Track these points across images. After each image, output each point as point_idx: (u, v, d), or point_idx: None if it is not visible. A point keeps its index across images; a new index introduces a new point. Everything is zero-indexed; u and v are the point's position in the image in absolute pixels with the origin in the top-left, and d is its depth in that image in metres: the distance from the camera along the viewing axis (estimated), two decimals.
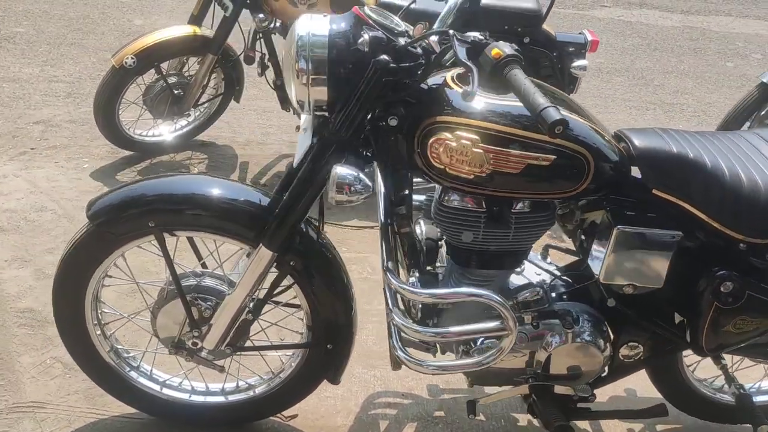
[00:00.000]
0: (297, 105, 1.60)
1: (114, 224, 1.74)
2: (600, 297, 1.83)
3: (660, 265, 1.71)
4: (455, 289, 1.63)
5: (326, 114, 1.62)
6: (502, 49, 1.34)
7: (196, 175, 1.88)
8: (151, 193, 1.75)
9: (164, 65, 3.36)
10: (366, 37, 1.51)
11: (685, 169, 1.70)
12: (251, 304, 1.83)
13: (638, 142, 1.71)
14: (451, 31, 1.43)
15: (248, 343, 1.93)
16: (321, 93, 1.55)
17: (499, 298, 1.58)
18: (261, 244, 1.72)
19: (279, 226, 1.70)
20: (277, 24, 3.37)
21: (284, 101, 3.54)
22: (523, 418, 2.22)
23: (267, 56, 3.41)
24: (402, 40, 1.53)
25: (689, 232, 1.72)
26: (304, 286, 1.82)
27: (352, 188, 1.52)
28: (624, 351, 1.87)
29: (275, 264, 1.76)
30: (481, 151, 1.54)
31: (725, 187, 1.68)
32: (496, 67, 1.34)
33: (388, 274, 1.59)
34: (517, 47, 1.35)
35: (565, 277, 1.89)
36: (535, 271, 1.88)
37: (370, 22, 1.54)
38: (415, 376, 2.35)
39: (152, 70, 3.33)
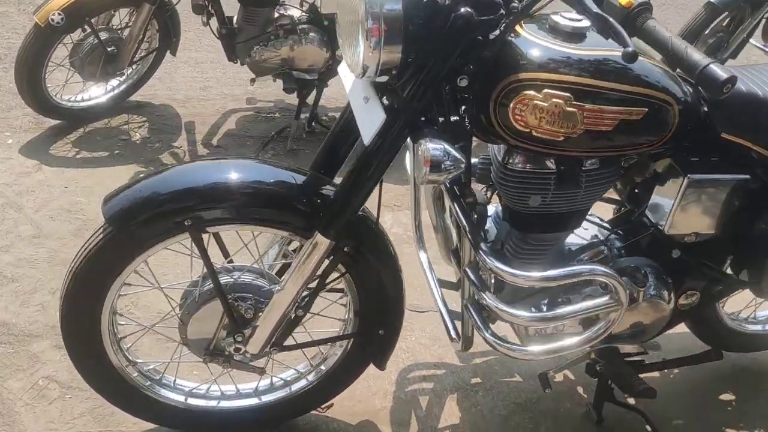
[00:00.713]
0: (358, 71, 1.36)
1: (142, 226, 1.46)
2: (661, 248, 1.75)
3: (728, 210, 1.65)
4: (569, 268, 1.47)
5: (391, 80, 1.39)
6: None
7: (226, 160, 1.60)
8: (182, 185, 1.47)
9: (94, 20, 2.92)
10: None
11: (755, 109, 1.62)
12: (301, 298, 1.62)
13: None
14: None
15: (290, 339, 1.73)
16: (394, 55, 1.32)
17: (612, 272, 1.46)
18: (317, 233, 1.50)
19: (339, 213, 1.48)
20: None
21: (231, 51, 3.20)
22: (559, 376, 2.17)
23: (210, 2, 3.04)
24: None
25: (754, 174, 1.66)
26: (358, 273, 1.63)
27: (443, 165, 1.32)
28: (682, 300, 1.82)
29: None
30: (575, 109, 1.38)
31: None
32: (627, 18, 1.16)
33: (483, 254, 1.42)
34: None
35: (619, 231, 1.80)
36: (585, 227, 1.78)
37: None
38: (442, 342, 2.23)
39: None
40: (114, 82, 3.26)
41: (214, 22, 3.13)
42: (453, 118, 1.44)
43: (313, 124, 3.42)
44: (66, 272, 1.55)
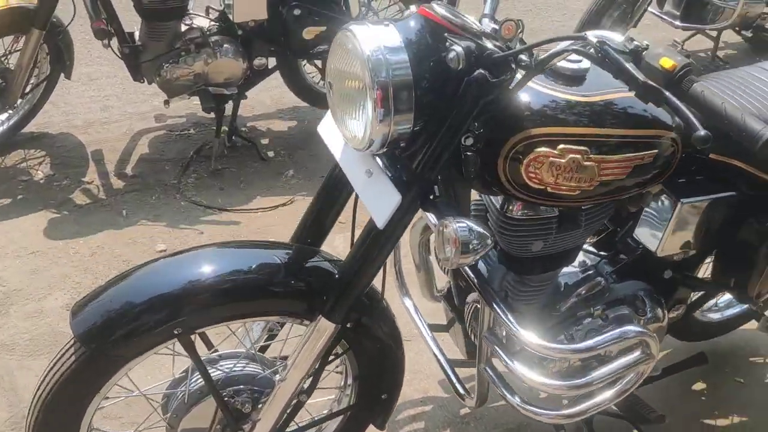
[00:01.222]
0: (362, 145, 1.21)
1: (122, 343, 1.26)
2: (653, 269, 1.73)
3: (715, 225, 1.65)
4: (604, 336, 1.39)
5: (397, 151, 1.25)
6: (674, 57, 1.08)
7: (198, 251, 1.40)
8: (159, 289, 1.28)
9: None
10: (458, 50, 1.15)
11: (738, 127, 1.61)
12: (305, 384, 1.47)
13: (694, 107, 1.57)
14: (594, 38, 1.12)
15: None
16: (404, 126, 1.18)
17: (644, 329, 1.42)
18: (320, 317, 1.35)
19: (346, 294, 1.34)
20: None
21: (136, 71, 2.91)
22: None
23: (110, 22, 2.72)
24: (489, 44, 1.19)
25: (739, 189, 1.66)
26: (361, 345, 1.50)
27: (471, 245, 1.20)
28: (671, 314, 1.83)
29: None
30: (593, 163, 1.30)
31: None
32: (671, 81, 1.07)
33: (520, 332, 1.31)
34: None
35: (607, 255, 1.77)
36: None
37: (451, 25, 1.18)
38: (424, 374, 2.15)
39: None
40: (2, 116, 2.89)
41: (115, 42, 2.82)
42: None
43: (233, 138, 3.20)
44: (32, 399, 1.32)
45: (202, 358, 1.44)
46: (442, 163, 1.24)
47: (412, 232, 1.73)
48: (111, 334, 1.26)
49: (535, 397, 1.58)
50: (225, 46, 2.90)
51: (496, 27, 1.21)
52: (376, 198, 1.25)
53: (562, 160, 1.28)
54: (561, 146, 1.28)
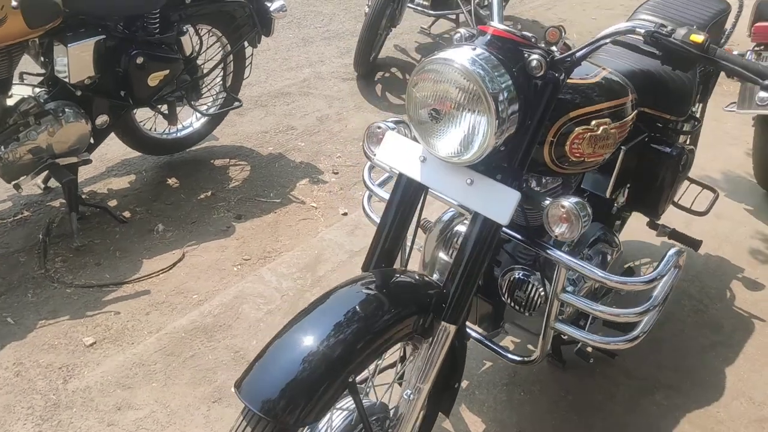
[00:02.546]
0: (474, 156, 1.35)
1: (307, 408, 1.24)
2: (603, 209, 2.10)
3: (633, 165, 2.08)
4: (663, 262, 1.65)
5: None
6: (698, 33, 1.39)
7: (332, 299, 1.39)
8: (328, 343, 1.28)
9: None
10: (538, 57, 1.34)
11: (652, 82, 2.01)
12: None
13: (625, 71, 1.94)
14: (642, 28, 1.38)
15: None
16: (512, 129, 1.36)
17: (680, 249, 1.73)
18: (442, 322, 1.46)
19: (461, 297, 1.46)
20: None
21: None
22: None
23: None
24: (553, 49, 1.40)
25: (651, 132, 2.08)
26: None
27: (584, 218, 1.43)
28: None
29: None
30: (615, 129, 1.60)
31: (666, 86, 2.08)
32: (704, 51, 1.38)
33: (608, 276, 1.56)
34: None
35: None
36: None
37: (519, 38, 1.37)
38: None
39: None
40: None
41: None
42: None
43: (80, 209, 2.91)
44: None
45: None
46: (530, 156, 1.44)
47: (431, 235, 1.87)
48: (295, 400, 1.24)
49: (603, 330, 1.85)
50: (66, 110, 2.64)
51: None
52: (489, 200, 1.39)
53: (598, 132, 1.56)
54: (594, 122, 1.56)
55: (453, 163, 1.40)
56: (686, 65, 1.39)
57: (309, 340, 1.30)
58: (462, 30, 1.45)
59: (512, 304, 1.82)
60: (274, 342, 1.32)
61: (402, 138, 1.52)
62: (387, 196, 1.79)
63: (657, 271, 1.61)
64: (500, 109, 1.31)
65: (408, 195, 1.55)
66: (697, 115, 2.53)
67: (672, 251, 1.66)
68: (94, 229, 2.90)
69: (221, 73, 3.35)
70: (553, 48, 1.43)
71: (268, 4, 3.25)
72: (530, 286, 1.74)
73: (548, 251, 1.60)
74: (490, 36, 1.38)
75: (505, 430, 2.12)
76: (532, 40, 1.41)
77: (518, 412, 2.18)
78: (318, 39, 4.93)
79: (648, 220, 2.49)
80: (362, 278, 1.46)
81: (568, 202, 1.42)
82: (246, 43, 3.29)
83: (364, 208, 1.98)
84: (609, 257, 2.00)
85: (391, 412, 1.59)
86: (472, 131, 1.34)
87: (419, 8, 4.62)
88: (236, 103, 3.35)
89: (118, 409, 2.07)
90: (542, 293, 1.73)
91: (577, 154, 1.57)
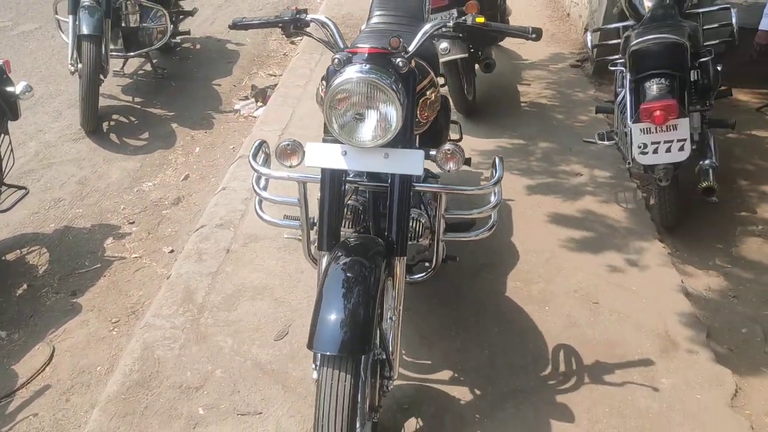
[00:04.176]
0: (389, 135, 1.93)
1: (367, 339, 1.78)
2: None
3: None
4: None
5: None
6: (478, 15, 2.08)
7: (334, 267, 1.80)
8: (355, 298, 1.84)
9: None
10: (401, 59, 1.97)
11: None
12: None
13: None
14: (448, 23, 2.03)
15: None
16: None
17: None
18: (396, 258, 2.04)
19: (401, 235, 2.05)
20: None
21: None
22: None
23: None
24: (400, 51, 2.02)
25: None
26: None
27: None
28: None
29: None
30: (436, 94, 2.30)
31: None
32: (486, 27, 2.07)
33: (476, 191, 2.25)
34: None
35: None
36: None
37: (383, 50, 1.97)
38: None
39: None
40: None
41: None
42: None
43: None
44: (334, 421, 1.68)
45: None
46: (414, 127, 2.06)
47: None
48: (357, 336, 1.74)
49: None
50: None
51: None
52: (404, 163, 1.97)
53: (432, 98, 2.24)
54: (428, 91, 2.23)
55: (376, 146, 1.95)
56: (482, 40, 2.13)
57: (341, 300, 1.79)
58: (337, 56, 1.98)
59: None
60: (319, 311, 1.78)
61: (321, 144, 2.01)
62: (276, 198, 2.30)
63: (498, 175, 2.36)
64: (399, 96, 1.90)
65: (334, 185, 2.06)
66: None
67: (496, 158, 2.43)
68: None
69: None
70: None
71: (11, 89, 3.25)
72: (414, 220, 2.38)
73: (431, 187, 2.25)
74: (367, 54, 1.95)
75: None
76: (389, 49, 2.01)
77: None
78: (23, 111, 4.77)
79: None
80: (338, 255, 1.95)
81: (449, 146, 2.08)
82: None
83: (257, 212, 2.42)
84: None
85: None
86: (386, 118, 1.91)
87: (115, 53, 4.78)
88: (22, 191, 3.31)
89: None
90: (423, 221, 2.38)
91: (423, 117, 2.23)
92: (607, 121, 4.37)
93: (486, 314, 2.88)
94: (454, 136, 3.43)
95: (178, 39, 5.59)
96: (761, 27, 4.45)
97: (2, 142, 3.27)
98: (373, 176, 2.20)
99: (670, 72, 3.16)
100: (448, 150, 2.06)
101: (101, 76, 4.39)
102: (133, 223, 3.68)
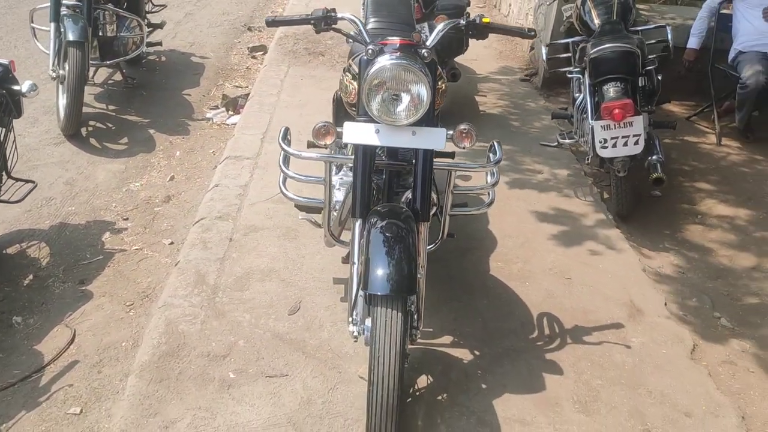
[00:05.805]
0: (419, 112, 2.23)
1: (412, 281, 2.13)
2: None
3: None
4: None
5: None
6: (484, 16, 2.43)
7: (376, 229, 2.07)
8: (399, 249, 2.17)
9: None
10: (425, 50, 2.29)
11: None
12: None
13: None
14: (461, 21, 2.37)
15: None
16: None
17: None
18: (421, 223, 2.34)
19: (425, 203, 2.36)
20: None
21: None
22: None
23: None
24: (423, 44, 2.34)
25: None
26: None
27: None
28: None
29: None
30: (445, 84, 2.63)
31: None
32: (489, 25, 2.44)
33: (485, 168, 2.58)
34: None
35: None
36: None
37: (410, 41, 2.29)
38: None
39: None
40: None
41: None
42: None
43: None
44: (385, 364, 1.95)
45: None
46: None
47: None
48: (404, 279, 2.05)
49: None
50: None
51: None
52: (429, 139, 2.28)
53: (443, 88, 2.57)
54: (440, 81, 2.56)
55: (409, 123, 2.25)
56: (485, 35, 2.49)
57: (387, 253, 2.09)
58: (370, 47, 2.28)
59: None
60: (371, 261, 2.08)
61: (357, 124, 2.30)
62: (302, 177, 2.58)
63: (498, 155, 2.70)
64: (428, 79, 2.22)
65: (367, 159, 2.35)
66: None
67: (494, 142, 2.77)
68: None
69: None
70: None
71: (16, 88, 3.39)
72: None
73: (443, 165, 2.56)
74: (398, 44, 2.26)
75: None
76: (414, 41, 2.33)
77: None
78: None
79: None
80: (374, 220, 2.24)
81: (464, 125, 2.40)
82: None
83: (281, 189, 2.69)
84: None
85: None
86: (418, 96, 2.22)
87: (91, 61, 4.91)
88: (31, 184, 3.42)
89: (165, 428, 2.40)
90: (433, 197, 2.69)
91: (436, 104, 2.56)
92: (559, 128, 4.82)
93: (475, 290, 3.21)
94: None
95: (151, 50, 5.74)
96: (689, 45, 5.04)
97: (8, 138, 3.38)
98: (391, 156, 2.50)
99: (624, 76, 3.63)
100: (464, 129, 2.39)
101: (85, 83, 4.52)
102: (128, 219, 3.83)
